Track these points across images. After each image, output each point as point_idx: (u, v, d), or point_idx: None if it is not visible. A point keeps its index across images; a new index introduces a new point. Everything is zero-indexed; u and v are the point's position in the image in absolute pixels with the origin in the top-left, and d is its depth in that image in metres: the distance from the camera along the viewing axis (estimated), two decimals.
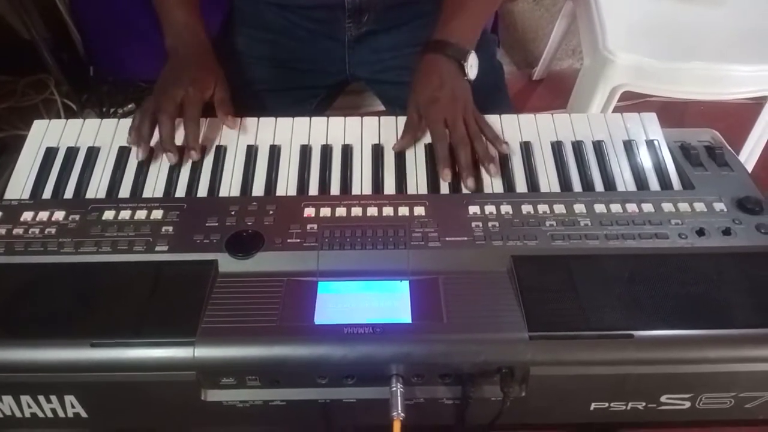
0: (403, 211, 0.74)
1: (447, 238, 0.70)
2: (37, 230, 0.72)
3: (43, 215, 0.73)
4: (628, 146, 0.83)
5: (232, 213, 0.73)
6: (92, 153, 0.83)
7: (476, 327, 0.62)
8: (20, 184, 0.80)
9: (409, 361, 0.61)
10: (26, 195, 0.79)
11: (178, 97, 0.84)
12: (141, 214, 0.73)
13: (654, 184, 0.80)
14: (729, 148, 0.84)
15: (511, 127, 0.86)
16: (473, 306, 0.64)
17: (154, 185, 0.80)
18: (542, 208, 0.74)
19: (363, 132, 0.86)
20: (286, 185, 0.80)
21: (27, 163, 0.82)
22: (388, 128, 0.87)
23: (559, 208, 0.74)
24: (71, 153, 0.83)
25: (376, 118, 0.88)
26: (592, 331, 0.61)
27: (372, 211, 0.74)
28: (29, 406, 0.63)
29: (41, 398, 0.62)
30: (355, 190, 0.80)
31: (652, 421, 0.66)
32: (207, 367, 0.61)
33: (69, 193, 0.79)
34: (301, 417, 0.66)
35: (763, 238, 0.70)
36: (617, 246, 0.70)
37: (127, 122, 0.86)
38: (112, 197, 0.79)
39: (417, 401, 0.64)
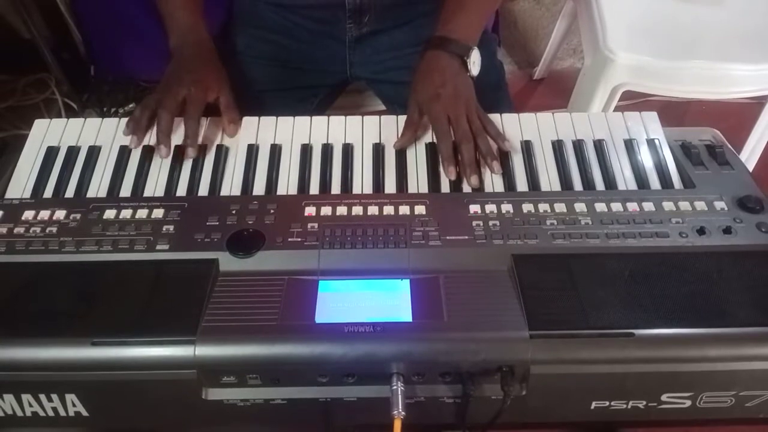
0: (404, 210, 0.74)
1: (448, 237, 0.70)
2: (38, 229, 0.72)
3: (44, 214, 0.74)
4: (629, 145, 0.83)
5: (233, 212, 0.73)
6: (93, 152, 0.83)
7: (477, 326, 0.62)
8: (21, 184, 0.80)
9: (409, 359, 0.61)
10: (27, 194, 0.79)
11: (180, 96, 0.84)
12: (142, 213, 0.73)
13: (655, 182, 0.80)
14: (730, 146, 0.84)
15: (512, 126, 0.86)
16: (474, 305, 0.64)
17: (155, 184, 0.80)
18: (543, 206, 0.74)
19: (364, 131, 0.86)
20: (287, 184, 0.80)
21: (28, 163, 0.82)
22: (389, 127, 0.87)
23: (560, 207, 0.74)
24: (72, 152, 0.83)
25: (377, 117, 0.88)
26: (593, 330, 0.61)
27: (373, 210, 0.74)
28: (30, 405, 0.63)
29: (42, 397, 0.62)
30: (356, 189, 0.80)
31: (653, 419, 0.66)
32: (208, 366, 0.61)
33: (70, 192, 0.79)
34: (302, 416, 0.66)
35: (763, 237, 0.71)
36: (618, 245, 0.70)
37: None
38: (113, 196, 0.79)
39: (417, 400, 0.64)
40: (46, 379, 0.61)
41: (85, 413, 0.64)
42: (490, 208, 0.74)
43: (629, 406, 0.64)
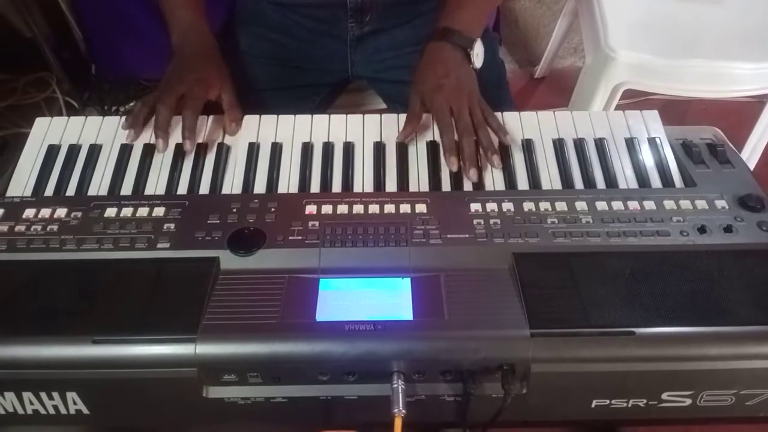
0: (405, 208, 0.74)
1: (448, 236, 0.70)
2: (39, 227, 0.72)
3: (46, 212, 0.74)
4: (630, 144, 0.83)
5: (234, 210, 0.73)
6: (94, 150, 0.83)
7: (477, 324, 0.62)
8: (22, 182, 0.80)
9: (410, 358, 0.61)
10: (28, 192, 0.79)
11: (180, 93, 0.85)
12: (143, 212, 0.73)
13: (656, 181, 0.80)
14: (731, 145, 0.84)
15: (513, 125, 0.86)
16: (474, 303, 0.64)
17: (156, 182, 0.80)
18: (544, 205, 0.74)
19: (365, 130, 0.86)
20: (288, 183, 0.80)
21: (29, 161, 0.82)
22: (390, 126, 0.87)
23: (561, 206, 0.74)
24: (73, 150, 0.83)
25: (378, 115, 0.88)
26: (594, 328, 0.61)
27: (373, 208, 0.74)
28: (31, 403, 0.63)
29: (43, 395, 0.63)
30: (357, 188, 0.80)
31: (653, 418, 0.66)
32: (208, 364, 0.61)
33: (71, 191, 0.79)
34: (303, 414, 0.66)
35: (764, 236, 0.70)
36: (619, 243, 0.70)
37: None
38: (114, 194, 0.79)
39: (418, 398, 0.64)
40: (47, 377, 0.61)
41: (86, 411, 0.64)
42: (491, 206, 0.74)
43: (630, 405, 0.64)
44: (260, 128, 0.87)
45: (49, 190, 0.80)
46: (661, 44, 1.34)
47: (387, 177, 0.81)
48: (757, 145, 1.53)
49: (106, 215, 0.73)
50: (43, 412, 0.64)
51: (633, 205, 0.74)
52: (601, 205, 0.74)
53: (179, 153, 0.83)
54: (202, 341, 0.60)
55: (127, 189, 0.80)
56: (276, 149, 0.84)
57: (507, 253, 0.68)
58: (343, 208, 0.74)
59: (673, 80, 1.34)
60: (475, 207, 0.74)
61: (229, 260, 0.68)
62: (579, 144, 0.84)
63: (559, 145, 0.84)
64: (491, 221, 0.72)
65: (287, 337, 0.61)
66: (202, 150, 0.84)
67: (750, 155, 1.54)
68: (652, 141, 0.84)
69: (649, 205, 0.74)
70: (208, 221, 0.72)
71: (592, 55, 1.41)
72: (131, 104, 1.82)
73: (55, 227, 0.72)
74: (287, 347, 0.61)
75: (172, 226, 0.72)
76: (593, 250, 0.69)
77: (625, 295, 0.64)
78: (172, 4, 0.96)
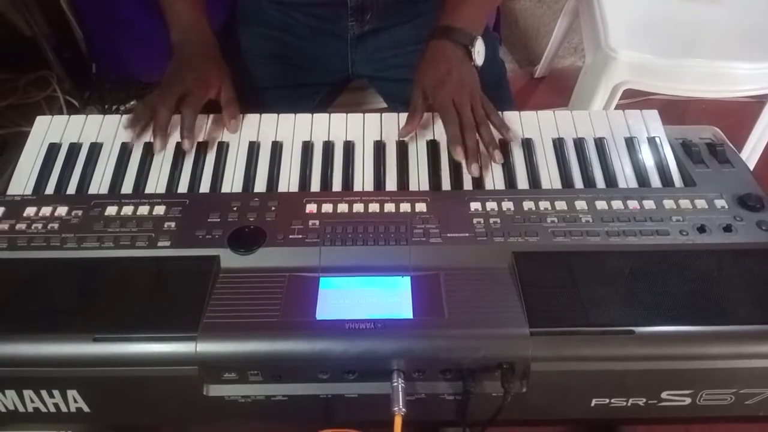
0: (405, 207, 0.74)
1: (448, 235, 0.70)
2: (39, 225, 0.72)
3: (46, 211, 0.74)
4: (630, 143, 0.84)
5: (234, 209, 0.74)
6: (95, 149, 0.83)
7: (477, 323, 0.62)
8: (23, 180, 0.80)
9: (410, 356, 0.61)
10: (29, 190, 0.79)
11: (180, 93, 0.85)
12: (143, 210, 0.74)
13: (655, 180, 0.80)
14: (730, 145, 0.84)
15: (513, 124, 0.86)
16: (474, 302, 0.64)
17: (157, 181, 0.80)
18: (543, 204, 0.74)
19: (365, 129, 0.87)
20: (288, 181, 0.81)
21: (30, 159, 0.82)
22: (390, 125, 0.87)
23: (561, 205, 0.74)
24: (74, 149, 0.83)
25: (378, 114, 0.88)
26: (593, 327, 0.61)
27: (374, 207, 0.74)
28: (32, 401, 0.63)
29: (44, 393, 0.63)
30: (357, 187, 0.80)
31: (653, 417, 0.66)
32: (209, 362, 0.61)
33: (72, 189, 0.80)
34: (303, 412, 0.66)
35: (763, 235, 0.71)
36: (618, 242, 0.70)
37: (129, 118, 0.86)
38: (114, 193, 0.79)
39: (418, 396, 0.64)
40: (47, 375, 0.62)
41: (86, 409, 0.64)
42: (491, 205, 0.74)
43: (629, 404, 0.64)
44: (261, 127, 0.87)
45: (50, 189, 0.80)
46: (661, 44, 1.34)
47: (387, 176, 0.81)
48: (757, 145, 1.53)
49: (106, 214, 0.73)
50: (43, 410, 0.64)
51: (633, 204, 0.74)
52: (600, 205, 0.74)
53: (179, 152, 0.83)
54: (202, 339, 0.60)
55: (127, 187, 0.80)
56: (276, 148, 0.84)
57: (507, 252, 0.69)
58: (343, 207, 0.74)
59: (673, 80, 1.34)
60: (475, 206, 0.74)
61: (229, 259, 0.68)
62: (579, 143, 0.84)
63: (559, 144, 0.84)
64: (491, 220, 0.72)
65: (287, 335, 0.61)
66: (202, 149, 0.84)
67: (750, 155, 1.54)
68: (651, 140, 0.84)
69: (649, 204, 0.74)
70: (209, 220, 0.72)
71: (592, 54, 1.41)
72: (132, 103, 1.82)
73: (55, 225, 0.72)
74: (287, 345, 0.61)
75: (173, 224, 0.72)
76: (593, 250, 0.69)
77: (624, 294, 0.64)
78: (171, 2, 0.96)
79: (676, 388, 0.63)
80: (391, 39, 1.09)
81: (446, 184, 0.80)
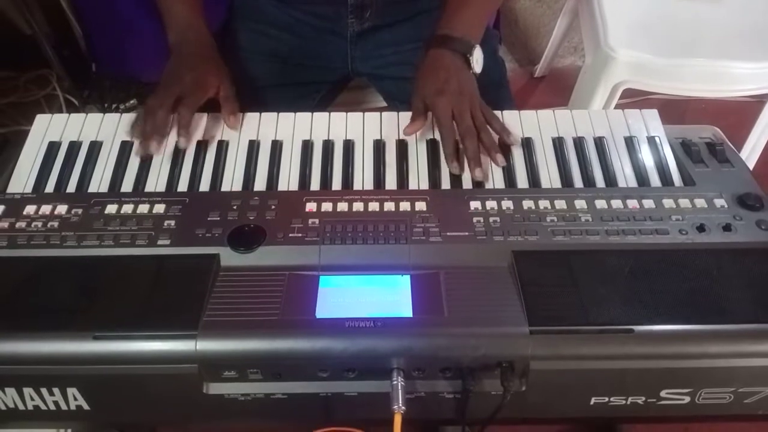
0: (405, 206, 0.74)
1: (448, 233, 0.70)
2: (39, 224, 0.72)
3: (46, 209, 0.74)
4: (630, 142, 0.84)
5: (234, 207, 0.74)
6: (95, 147, 0.83)
7: (477, 321, 0.62)
8: (23, 178, 0.80)
9: (410, 354, 0.61)
10: (29, 189, 0.79)
11: (178, 93, 0.85)
12: (143, 208, 0.74)
13: (655, 180, 0.80)
14: (730, 144, 0.84)
15: (513, 124, 0.86)
16: (474, 300, 0.64)
17: (157, 179, 0.80)
18: (543, 203, 0.74)
19: (365, 127, 0.87)
20: (288, 180, 0.81)
21: (30, 158, 0.82)
22: (390, 124, 0.87)
23: (560, 204, 0.74)
24: (74, 147, 0.83)
25: (378, 113, 0.88)
26: (593, 326, 0.61)
27: (373, 206, 0.74)
28: (32, 399, 0.63)
29: (44, 391, 0.63)
30: (357, 185, 0.80)
31: (652, 415, 0.66)
32: (209, 361, 0.61)
33: (71, 187, 0.80)
34: (302, 410, 0.66)
35: (763, 234, 0.71)
36: (618, 241, 0.70)
37: (129, 117, 0.86)
38: (114, 191, 0.79)
39: (418, 395, 0.64)
40: (47, 373, 0.62)
41: (86, 407, 0.64)
42: (491, 204, 0.74)
43: (628, 402, 0.64)
44: (260, 126, 0.87)
45: (50, 187, 0.80)
46: (661, 44, 1.34)
47: (387, 175, 0.81)
48: (757, 145, 1.53)
49: (106, 212, 0.73)
50: (43, 407, 0.64)
51: (632, 203, 0.74)
52: (600, 204, 0.74)
53: (179, 150, 0.83)
54: (202, 338, 0.61)
55: (127, 186, 0.80)
56: (276, 147, 0.84)
57: (506, 250, 0.69)
58: (343, 206, 0.74)
59: (672, 79, 1.35)
60: (474, 205, 0.74)
61: (229, 257, 0.68)
62: (578, 143, 0.84)
63: (558, 143, 0.84)
64: (491, 219, 0.72)
65: (287, 333, 0.62)
66: (202, 147, 0.84)
67: (749, 155, 1.54)
68: (651, 140, 0.84)
69: (648, 203, 0.74)
70: (209, 218, 0.72)
71: (592, 54, 1.41)
72: (132, 101, 1.82)
73: (55, 224, 0.72)
74: (287, 344, 0.61)
75: (173, 223, 0.72)
76: (592, 248, 0.69)
77: (624, 293, 0.64)
78: (169, 2, 0.96)
79: (676, 387, 0.63)
80: (391, 37, 1.09)
81: (446, 183, 0.80)
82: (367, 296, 0.65)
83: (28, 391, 0.63)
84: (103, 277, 0.67)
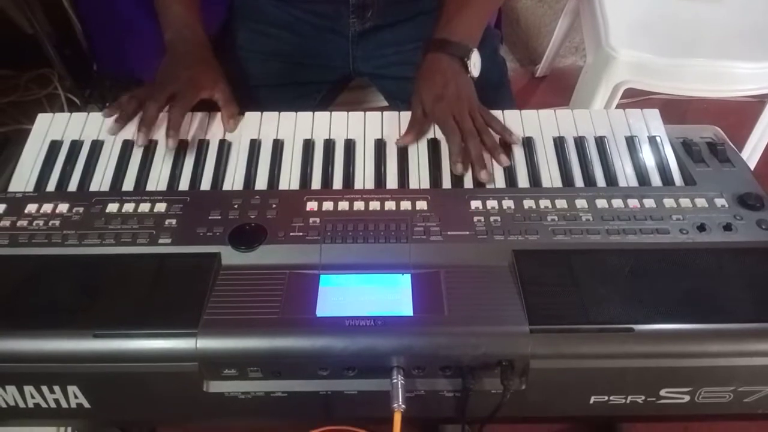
0: (405, 205, 0.74)
1: (449, 233, 0.71)
2: (41, 222, 0.72)
3: (47, 207, 0.74)
4: (630, 142, 0.84)
5: (235, 206, 0.74)
6: (96, 146, 0.83)
7: (477, 320, 0.62)
8: (24, 177, 0.80)
9: (410, 353, 0.62)
10: (30, 187, 0.79)
11: (171, 92, 0.85)
12: (144, 207, 0.74)
13: (656, 179, 0.80)
14: (731, 144, 0.84)
15: (514, 123, 0.87)
16: (474, 299, 0.64)
17: (158, 178, 0.80)
18: (544, 202, 0.74)
19: (366, 127, 0.87)
20: (289, 179, 0.81)
21: (31, 156, 0.82)
22: (391, 123, 0.87)
23: (561, 203, 0.74)
24: (75, 146, 0.84)
25: (379, 113, 0.89)
26: (593, 325, 0.61)
27: (374, 205, 0.74)
28: (32, 397, 0.64)
29: (44, 389, 0.63)
30: (358, 185, 0.80)
31: (652, 414, 0.66)
32: (209, 359, 0.61)
33: (73, 186, 0.80)
34: (302, 408, 0.66)
35: (763, 234, 0.71)
36: (618, 241, 0.70)
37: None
38: (115, 190, 0.79)
39: (418, 393, 0.64)
40: (48, 371, 0.62)
41: (87, 405, 0.64)
42: (492, 203, 0.74)
43: (628, 401, 0.64)
44: (262, 125, 0.87)
45: (51, 186, 0.80)
46: (662, 43, 1.34)
47: (388, 174, 0.81)
48: (758, 145, 1.53)
49: (107, 211, 0.73)
50: (44, 405, 0.64)
51: (633, 203, 0.74)
52: (601, 203, 0.74)
53: (181, 149, 0.83)
54: (203, 336, 0.61)
55: (128, 185, 0.80)
56: (277, 146, 0.84)
57: (507, 250, 0.69)
58: (343, 205, 0.74)
59: (673, 79, 1.35)
60: (475, 204, 0.74)
61: (230, 256, 0.68)
62: (579, 142, 0.84)
63: (559, 143, 0.84)
64: (491, 218, 0.72)
65: (288, 332, 0.62)
66: (204, 146, 0.84)
67: (750, 155, 1.54)
68: (652, 139, 0.84)
69: (649, 203, 0.74)
70: (210, 217, 0.72)
71: (593, 54, 1.41)
72: None
73: (57, 222, 0.72)
74: (288, 342, 0.61)
75: (174, 221, 0.72)
76: (593, 248, 0.69)
77: (624, 292, 0.64)
78: (168, 2, 0.96)
79: (675, 386, 0.63)
80: (392, 36, 1.10)
81: (447, 182, 0.80)
82: (368, 295, 0.65)
83: (28, 389, 0.63)
84: (104, 276, 0.67)
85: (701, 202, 0.74)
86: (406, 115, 0.87)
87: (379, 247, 0.69)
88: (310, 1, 1.07)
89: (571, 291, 0.64)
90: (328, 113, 0.88)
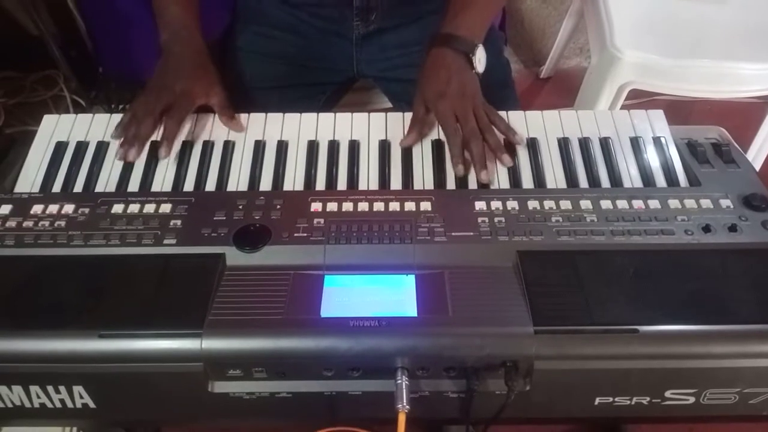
0: (410, 206, 0.74)
1: (453, 233, 0.71)
2: (47, 223, 0.72)
3: (53, 208, 0.74)
4: (635, 143, 0.83)
5: (240, 207, 0.74)
6: (102, 147, 0.84)
7: (481, 321, 0.62)
8: (30, 178, 0.81)
9: (414, 354, 0.62)
10: (36, 188, 0.80)
11: (166, 102, 0.85)
12: (150, 208, 0.74)
13: (660, 180, 0.80)
14: (736, 145, 0.84)
15: (518, 124, 0.86)
16: (479, 300, 0.64)
17: (163, 179, 0.81)
18: (548, 203, 0.74)
19: (370, 128, 0.87)
20: (294, 180, 0.81)
21: (37, 157, 0.83)
22: (395, 124, 0.87)
23: (565, 204, 0.74)
24: (81, 147, 0.84)
25: (383, 114, 0.89)
26: (597, 326, 0.61)
27: (378, 205, 0.74)
28: (38, 397, 0.64)
29: (50, 388, 0.63)
30: (362, 185, 0.80)
31: (657, 416, 0.66)
32: (214, 359, 0.61)
33: (78, 187, 0.80)
34: (307, 409, 0.66)
35: None
36: (623, 242, 0.70)
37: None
38: (121, 191, 0.79)
39: (422, 394, 0.64)
40: (53, 371, 0.62)
41: (92, 405, 0.64)
42: (496, 204, 0.74)
43: (633, 402, 0.64)
44: (266, 126, 0.87)
45: (57, 187, 0.80)
46: (667, 44, 1.33)
47: (392, 175, 0.81)
48: (763, 146, 1.53)
49: (113, 211, 0.74)
50: (49, 405, 0.64)
51: (637, 204, 0.74)
52: (605, 204, 0.74)
53: (186, 151, 0.83)
54: (207, 336, 0.61)
55: (134, 186, 0.80)
56: (282, 147, 0.84)
57: (511, 251, 0.69)
58: (348, 206, 0.74)
59: (678, 80, 1.34)
60: (479, 205, 0.74)
61: (234, 256, 0.68)
62: (584, 143, 0.84)
63: (564, 144, 0.84)
64: (496, 219, 0.72)
65: (292, 332, 0.62)
66: (208, 147, 0.84)
67: (756, 156, 1.53)
68: (657, 140, 0.84)
69: (654, 204, 0.74)
70: (215, 218, 0.72)
71: (598, 55, 1.40)
72: None
73: (62, 223, 0.72)
74: (292, 343, 0.61)
75: (179, 222, 0.72)
76: (597, 249, 0.69)
77: (628, 293, 0.64)
78: (166, 3, 0.95)
79: (680, 387, 0.63)
80: (396, 39, 1.10)
81: (451, 183, 0.80)
82: (372, 296, 0.65)
83: (34, 389, 0.63)
84: (109, 276, 0.67)
85: (706, 203, 0.74)
86: (410, 116, 0.87)
87: (383, 247, 0.69)
88: (314, 5, 1.07)
89: (576, 292, 0.64)
90: (332, 114, 0.88)
